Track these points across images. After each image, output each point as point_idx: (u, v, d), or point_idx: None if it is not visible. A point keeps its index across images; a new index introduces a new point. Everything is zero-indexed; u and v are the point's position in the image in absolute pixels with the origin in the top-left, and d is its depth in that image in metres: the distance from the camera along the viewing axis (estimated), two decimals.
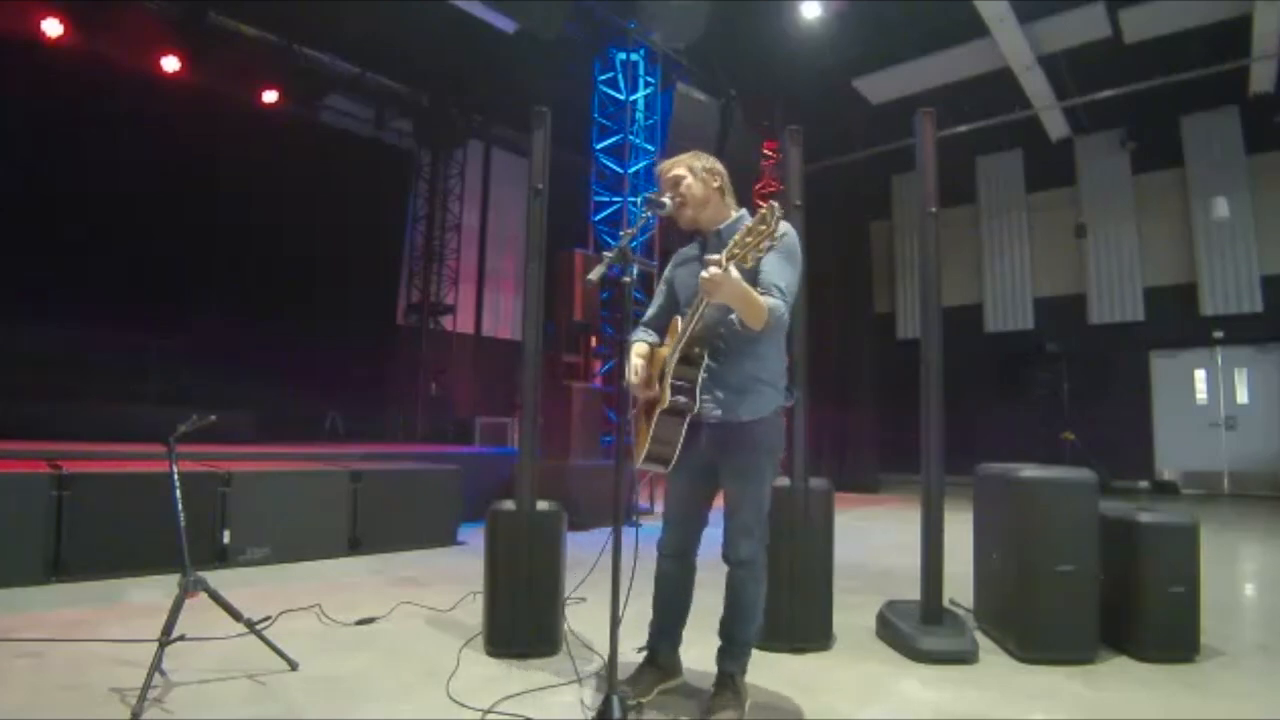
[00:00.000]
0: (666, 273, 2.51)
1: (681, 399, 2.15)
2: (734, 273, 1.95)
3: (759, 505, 2.26)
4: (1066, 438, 10.30)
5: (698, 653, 2.55)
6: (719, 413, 2.20)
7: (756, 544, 2.27)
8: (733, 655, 2.31)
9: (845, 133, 10.73)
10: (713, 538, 2.42)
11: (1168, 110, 10.10)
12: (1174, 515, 2.96)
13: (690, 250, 2.47)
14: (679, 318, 2.26)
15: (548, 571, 2.84)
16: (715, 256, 1.95)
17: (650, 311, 2.54)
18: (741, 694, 2.28)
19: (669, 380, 2.17)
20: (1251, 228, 10.06)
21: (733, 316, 2.12)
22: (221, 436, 6.24)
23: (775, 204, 1.92)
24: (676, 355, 2.17)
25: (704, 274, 1.94)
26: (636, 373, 2.27)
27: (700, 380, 2.18)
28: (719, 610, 2.35)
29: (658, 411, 2.17)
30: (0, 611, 3.12)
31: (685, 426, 2.17)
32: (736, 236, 1.98)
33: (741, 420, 2.21)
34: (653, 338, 2.45)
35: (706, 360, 2.20)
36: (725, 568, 2.32)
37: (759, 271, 2.13)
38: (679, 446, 2.18)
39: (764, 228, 1.90)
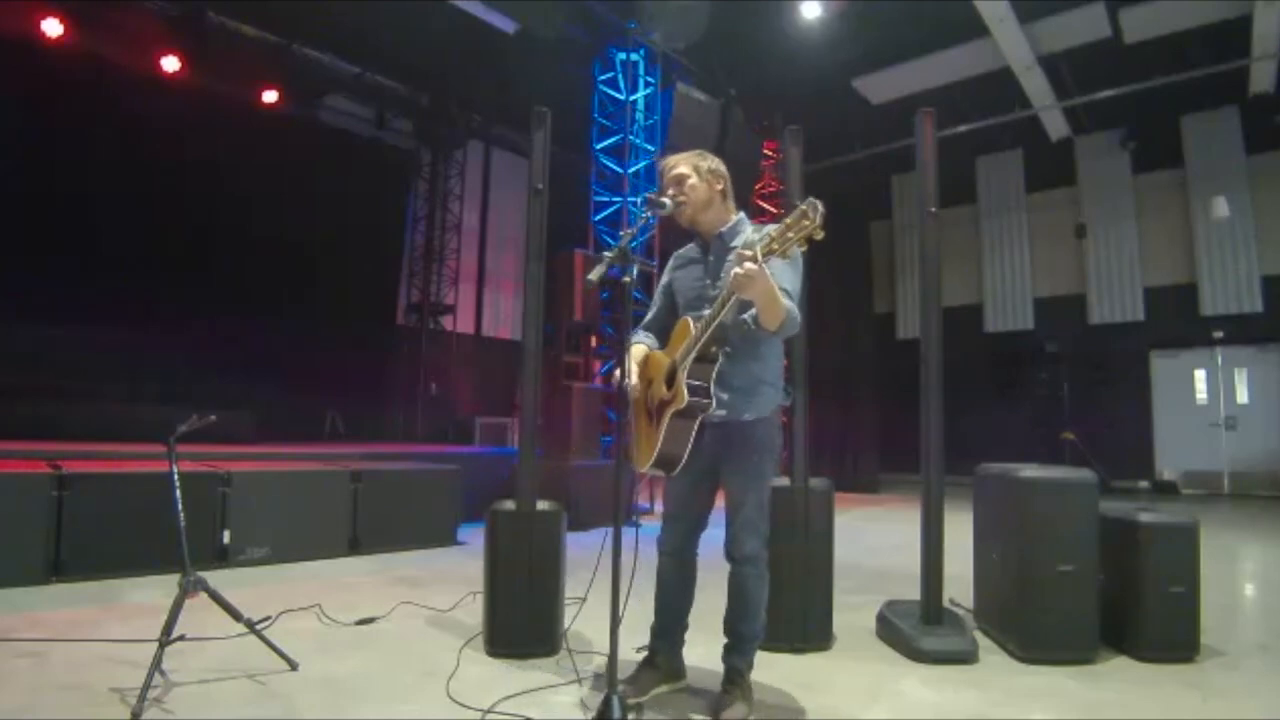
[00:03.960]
0: (665, 276, 2.50)
1: (700, 399, 2.12)
2: (766, 269, 1.90)
3: (762, 502, 2.27)
4: (1066, 438, 10.29)
5: (701, 652, 2.56)
6: (723, 412, 2.20)
7: (760, 540, 2.28)
8: (740, 651, 2.32)
9: (845, 133, 10.74)
10: (712, 539, 2.41)
11: (1168, 110, 10.09)
12: (1174, 515, 2.96)
13: (689, 252, 2.45)
14: (689, 320, 2.20)
15: (548, 571, 2.84)
16: (748, 251, 1.87)
17: (649, 315, 2.53)
18: (749, 694, 2.29)
19: (683, 380, 2.12)
20: (1251, 228, 10.06)
21: (747, 316, 2.09)
22: (221, 436, 6.24)
23: (816, 201, 1.83)
24: (694, 354, 2.12)
25: (737, 269, 1.89)
26: (632, 376, 2.24)
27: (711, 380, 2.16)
28: (721, 610, 2.35)
29: (669, 412, 2.14)
30: (0, 611, 3.12)
31: (696, 428, 2.15)
32: (774, 231, 1.91)
33: (745, 420, 2.23)
34: (651, 341, 2.43)
35: (720, 360, 2.18)
36: (725, 568, 2.32)
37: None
38: (689, 449, 2.15)
39: (807, 222, 1.83)
